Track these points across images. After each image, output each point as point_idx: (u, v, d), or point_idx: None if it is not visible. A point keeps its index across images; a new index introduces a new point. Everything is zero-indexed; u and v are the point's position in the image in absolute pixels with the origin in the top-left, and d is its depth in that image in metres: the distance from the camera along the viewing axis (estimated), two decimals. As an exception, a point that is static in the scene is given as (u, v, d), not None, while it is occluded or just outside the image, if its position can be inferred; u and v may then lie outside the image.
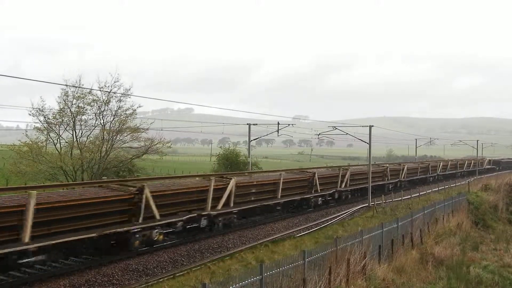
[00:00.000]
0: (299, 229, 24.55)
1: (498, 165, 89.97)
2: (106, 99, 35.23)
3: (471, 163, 75.31)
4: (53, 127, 34.64)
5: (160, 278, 15.35)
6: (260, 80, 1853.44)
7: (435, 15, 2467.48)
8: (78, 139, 35.15)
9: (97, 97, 35.08)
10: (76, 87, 33.57)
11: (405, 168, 47.94)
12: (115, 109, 35.91)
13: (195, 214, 20.43)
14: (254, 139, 40.86)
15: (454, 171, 66.71)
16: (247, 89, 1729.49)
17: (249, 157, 40.38)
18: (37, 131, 34.67)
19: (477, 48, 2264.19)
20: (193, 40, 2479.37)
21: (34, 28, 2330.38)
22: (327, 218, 28.35)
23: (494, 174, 70.32)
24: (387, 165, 47.32)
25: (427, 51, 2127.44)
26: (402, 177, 46.84)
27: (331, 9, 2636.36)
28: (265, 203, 25.62)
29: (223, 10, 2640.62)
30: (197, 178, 24.54)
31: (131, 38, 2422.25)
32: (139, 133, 37.71)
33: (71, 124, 34.73)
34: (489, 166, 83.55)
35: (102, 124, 35.66)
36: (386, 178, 43.35)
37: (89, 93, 34.51)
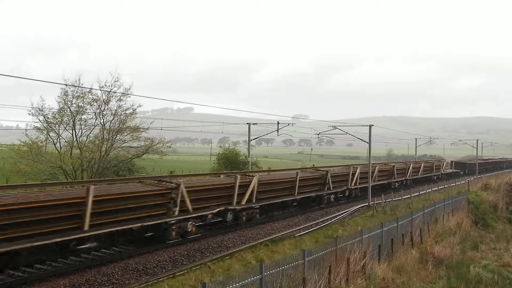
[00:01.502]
0: (299, 229, 24.56)
1: (463, 169, 69.97)
2: (106, 98, 35.25)
3: (420, 168, 53.33)
4: (53, 127, 34.65)
5: (160, 278, 15.35)
6: (260, 80, 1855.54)
7: (435, 15, 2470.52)
8: (78, 139, 35.16)
9: (97, 96, 35.12)
10: (76, 86, 33.62)
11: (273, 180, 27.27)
12: (115, 108, 35.96)
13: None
14: (254, 139, 40.89)
15: (385, 181, 43.27)
16: (248, 89, 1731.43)
17: (248, 157, 40.39)
18: (37, 131, 34.68)
19: (477, 48, 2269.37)
20: (193, 40, 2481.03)
21: (34, 28, 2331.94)
22: (327, 217, 28.38)
23: (455, 183, 50.79)
24: (238, 176, 23.69)
25: (427, 51, 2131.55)
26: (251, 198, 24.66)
27: (331, 9, 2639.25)
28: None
29: (223, 10, 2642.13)
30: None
31: (131, 38, 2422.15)
32: (139, 133, 37.74)
33: (71, 124, 34.76)
34: (451, 171, 65.41)
35: (102, 123, 35.67)
36: (233, 201, 22.91)
37: (89, 93, 34.57)
